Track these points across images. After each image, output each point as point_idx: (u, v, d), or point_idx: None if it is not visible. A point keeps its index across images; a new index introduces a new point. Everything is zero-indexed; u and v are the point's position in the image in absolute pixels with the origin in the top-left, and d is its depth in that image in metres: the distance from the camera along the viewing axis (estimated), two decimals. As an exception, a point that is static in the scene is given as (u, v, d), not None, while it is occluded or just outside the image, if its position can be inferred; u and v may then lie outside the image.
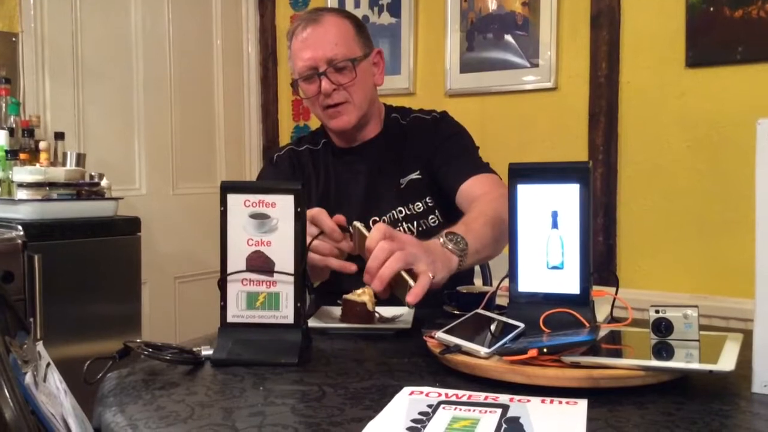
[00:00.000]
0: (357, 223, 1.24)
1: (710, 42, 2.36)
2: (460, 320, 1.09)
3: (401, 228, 1.61)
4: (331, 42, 1.57)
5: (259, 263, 1.11)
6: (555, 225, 1.08)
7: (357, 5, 3.24)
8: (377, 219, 1.61)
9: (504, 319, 1.08)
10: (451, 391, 0.89)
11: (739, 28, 2.30)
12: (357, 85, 1.59)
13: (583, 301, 1.05)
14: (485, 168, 1.61)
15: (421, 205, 1.63)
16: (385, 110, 1.75)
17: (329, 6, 3.29)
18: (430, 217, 1.63)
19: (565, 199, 1.07)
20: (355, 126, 1.64)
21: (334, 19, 1.61)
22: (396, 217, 1.62)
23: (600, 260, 2.55)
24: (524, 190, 1.10)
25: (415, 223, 1.62)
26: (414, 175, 1.65)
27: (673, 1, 2.43)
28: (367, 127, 1.69)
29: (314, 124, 3.44)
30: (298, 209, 1.11)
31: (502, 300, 1.25)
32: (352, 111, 1.61)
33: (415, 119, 1.73)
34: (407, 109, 1.77)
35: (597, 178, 2.59)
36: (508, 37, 2.83)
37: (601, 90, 2.61)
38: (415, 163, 1.65)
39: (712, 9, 2.34)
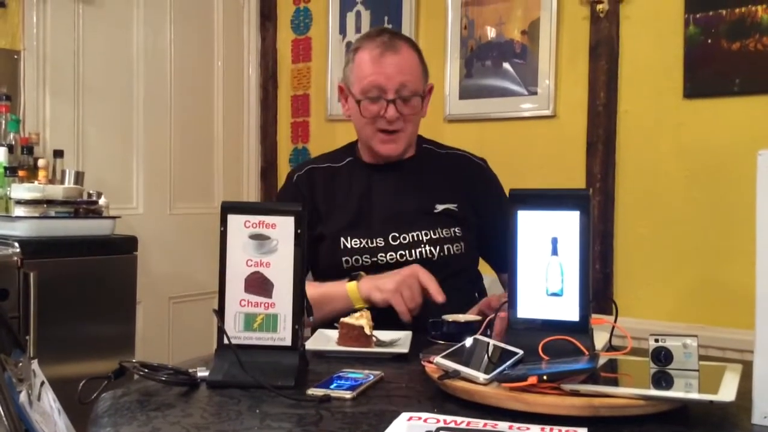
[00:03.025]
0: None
1: (708, 73, 2.38)
2: (458, 346, 1.08)
3: (423, 250, 1.62)
4: (404, 72, 1.63)
5: (258, 284, 1.10)
6: (555, 252, 1.08)
7: (358, 30, 3.26)
8: (396, 234, 1.63)
9: (503, 345, 1.07)
10: (449, 418, 0.89)
11: (736, 60, 2.32)
12: (415, 117, 1.67)
13: (582, 328, 1.05)
14: None
15: (449, 232, 1.65)
16: (417, 138, 1.79)
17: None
18: (455, 245, 1.65)
19: (565, 226, 1.08)
20: (400, 153, 1.70)
21: (408, 51, 1.66)
22: (420, 238, 1.63)
23: (596, 288, 2.55)
24: (524, 216, 1.10)
25: (437, 247, 1.63)
26: (451, 206, 1.68)
27: (672, 33, 2.45)
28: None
29: (313, 147, 3.46)
30: (298, 231, 1.10)
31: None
32: (403, 140, 1.67)
33: (461, 156, 1.80)
34: (439, 144, 1.83)
35: (594, 206, 2.59)
36: (507, 65, 2.85)
37: (599, 119, 2.62)
38: (455, 194, 1.69)
39: (710, 41, 2.37)
